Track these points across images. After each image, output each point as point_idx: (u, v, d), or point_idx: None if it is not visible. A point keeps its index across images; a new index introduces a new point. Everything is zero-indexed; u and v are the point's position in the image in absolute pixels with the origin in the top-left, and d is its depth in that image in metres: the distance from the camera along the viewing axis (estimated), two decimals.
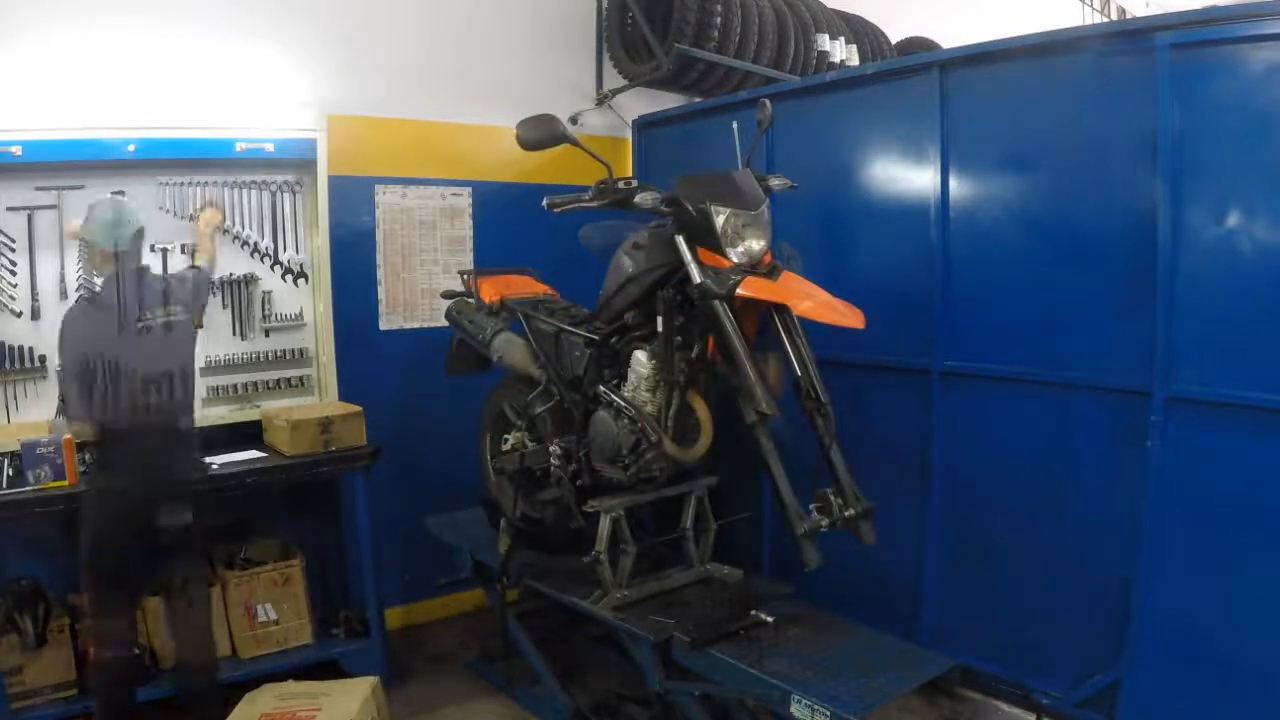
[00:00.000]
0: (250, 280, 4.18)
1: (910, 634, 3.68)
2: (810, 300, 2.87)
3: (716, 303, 2.87)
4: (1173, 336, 3.05)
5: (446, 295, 4.27)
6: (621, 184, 3.09)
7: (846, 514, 2.82)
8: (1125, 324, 3.21)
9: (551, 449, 3.55)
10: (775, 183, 3.28)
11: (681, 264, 3.00)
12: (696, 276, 2.90)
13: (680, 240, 2.97)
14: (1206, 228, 3.00)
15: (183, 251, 3.96)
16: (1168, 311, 3.05)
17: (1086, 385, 3.33)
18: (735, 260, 2.92)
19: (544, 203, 3.17)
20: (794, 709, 2.77)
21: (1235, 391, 2.94)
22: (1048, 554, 3.47)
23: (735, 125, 3.35)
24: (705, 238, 2.95)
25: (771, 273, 2.96)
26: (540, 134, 3.09)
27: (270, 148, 4.10)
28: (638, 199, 3.06)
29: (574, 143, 3.13)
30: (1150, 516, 3.13)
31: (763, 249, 2.99)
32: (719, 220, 2.92)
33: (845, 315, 2.85)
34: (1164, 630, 3.13)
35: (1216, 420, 2.99)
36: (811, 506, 2.81)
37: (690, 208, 2.97)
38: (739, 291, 2.85)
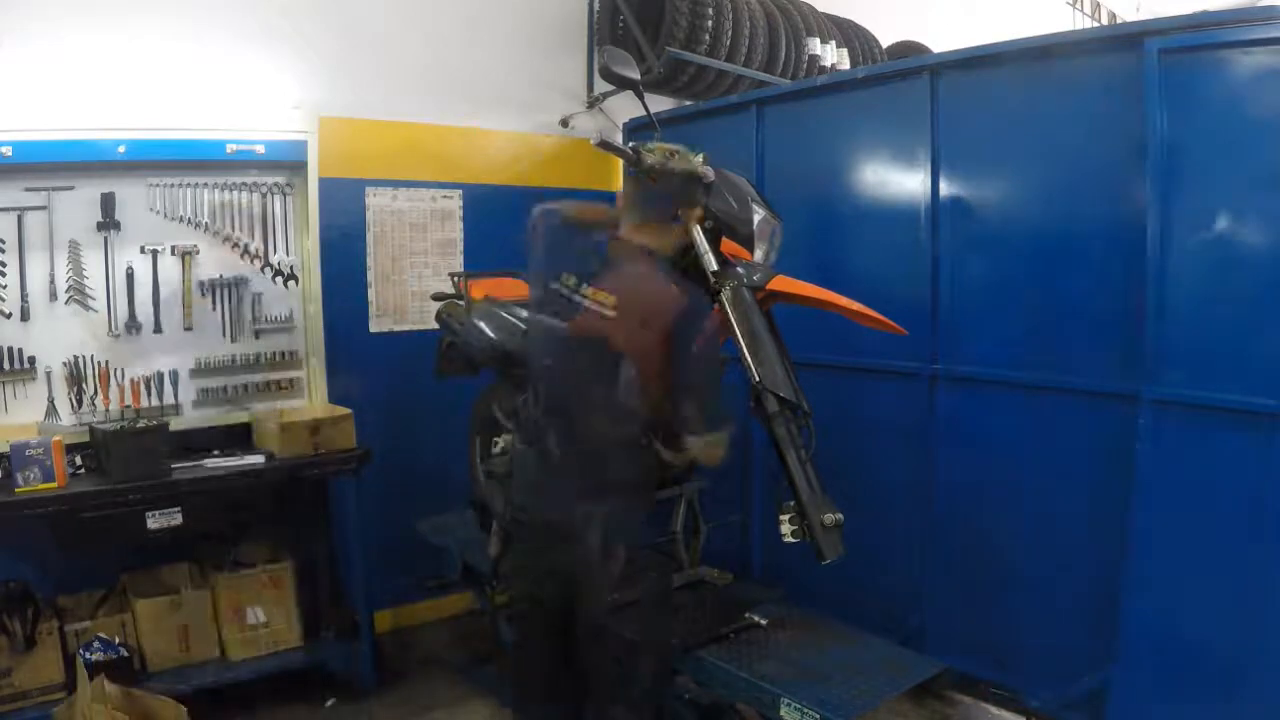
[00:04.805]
0: (240, 282, 4.15)
1: (901, 637, 3.69)
2: (856, 303, 2.86)
3: (747, 292, 2.80)
4: (1161, 339, 3.07)
5: (436, 297, 4.26)
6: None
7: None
8: (1115, 327, 3.22)
9: None
10: None
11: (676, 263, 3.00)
12: (714, 264, 2.86)
13: (696, 229, 2.92)
14: (1195, 231, 3.02)
15: (173, 253, 3.96)
16: (1156, 314, 3.07)
17: (1077, 388, 3.34)
18: (758, 258, 2.90)
19: (594, 141, 3.08)
20: (784, 712, 2.77)
21: (1223, 394, 2.96)
22: (1040, 556, 3.48)
23: None
24: (736, 230, 2.92)
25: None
26: (620, 70, 3.05)
27: (261, 149, 4.08)
28: (699, 167, 2.92)
29: (638, 93, 3.10)
30: (1138, 519, 3.15)
31: (776, 258, 2.99)
32: (757, 217, 2.92)
33: (883, 320, 2.85)
34: (1151, 632, 3.14)
35: (1204, 423, 3.01)
36: (783, 518, 2.68)
37: (731, 198, 2.94)
38: (777, 285, 2.82)
